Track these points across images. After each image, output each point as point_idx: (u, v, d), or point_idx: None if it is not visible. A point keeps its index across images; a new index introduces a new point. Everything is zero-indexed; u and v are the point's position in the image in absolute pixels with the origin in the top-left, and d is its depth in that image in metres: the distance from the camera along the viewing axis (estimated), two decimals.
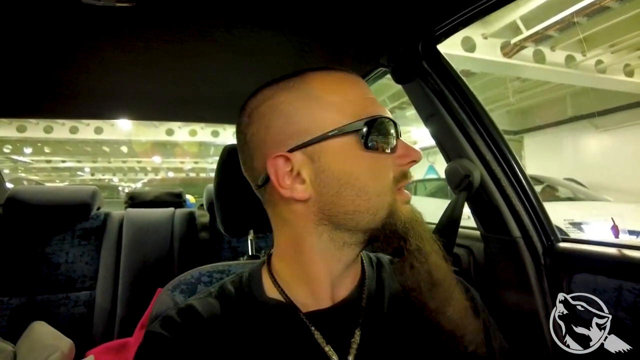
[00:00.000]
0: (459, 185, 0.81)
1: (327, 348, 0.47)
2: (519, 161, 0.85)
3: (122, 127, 10.78)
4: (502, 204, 0.83)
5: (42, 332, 1.28)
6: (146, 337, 0.50)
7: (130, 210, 1.86)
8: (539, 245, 0.80)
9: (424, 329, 0.51)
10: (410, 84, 0.93)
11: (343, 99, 0.51)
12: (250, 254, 0.98)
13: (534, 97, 8.25)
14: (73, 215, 1.68)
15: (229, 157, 0.87)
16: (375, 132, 0.49)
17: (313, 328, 0.48)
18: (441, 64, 0.87)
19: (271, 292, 0.52)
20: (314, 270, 0.51)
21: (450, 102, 0.87)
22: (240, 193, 0.86)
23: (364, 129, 0.49)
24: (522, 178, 0.83)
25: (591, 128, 7.61)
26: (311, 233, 0.50)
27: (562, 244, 0.79)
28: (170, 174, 18.87)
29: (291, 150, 0.48)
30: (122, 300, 1.60)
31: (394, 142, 0.50)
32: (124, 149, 14.83)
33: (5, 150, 13.56)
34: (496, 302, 0.86)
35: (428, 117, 0.92)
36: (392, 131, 0.50)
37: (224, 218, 0.88)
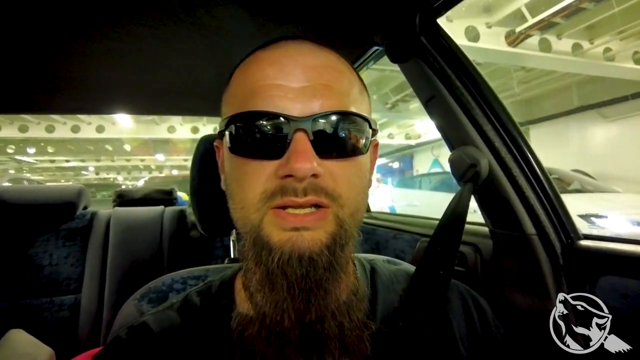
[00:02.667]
0: (464, 175, 0.72)
1: None
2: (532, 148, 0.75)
3: (124, 125, 10.78)
4: (513, 197, 0.75)
5: (20, 341, 1.21)
6: None
7: (117, 209, 1.79)
8: (557, 244, 0.72)
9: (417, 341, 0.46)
10: (407, 63, 0.84)
11: (238, 88, 0.44)
12: (232, 256, 0.90)
13: (540, 87, 8.14)
14: (57, 215, 1.62)
15: (206, 149, 0.79)
16: (239, 131, 0.41)
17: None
18: (441, 40, 0.78)
19: (242, 304, 0.46)
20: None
21: (453, 82, 0.78)
22: (220, 189, 0.78)
23: (227, 129, 0.42)
24: (536, 167, 0.74)
25: (599, 118, 7.49)
26: None
27: (584, 242, 0.70)
28: (174, 172, 18.99)
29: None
30: (108, 303, 1.54)
31: (276, 145, 0.39)
32: (127, 147, 14.88)
33: (9, 151, 13.67)
34: (506, 307, 0.78)
35: (428, 99, 0.83)
36: (273, 132, 0.39)
37: (201, 216, 0.81)
